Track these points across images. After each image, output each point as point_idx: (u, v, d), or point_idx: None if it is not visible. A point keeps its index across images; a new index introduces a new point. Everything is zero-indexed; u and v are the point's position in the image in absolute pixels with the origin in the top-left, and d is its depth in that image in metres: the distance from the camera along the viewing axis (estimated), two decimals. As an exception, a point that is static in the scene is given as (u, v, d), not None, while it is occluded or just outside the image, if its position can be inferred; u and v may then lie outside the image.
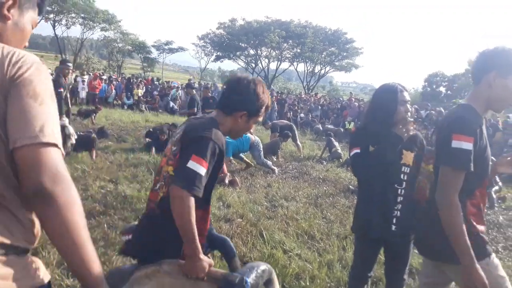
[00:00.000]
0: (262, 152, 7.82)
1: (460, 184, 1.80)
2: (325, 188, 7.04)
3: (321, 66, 44.34)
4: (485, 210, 1.96)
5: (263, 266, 1.92)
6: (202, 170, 1.69)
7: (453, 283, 2.17)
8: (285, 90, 41.28)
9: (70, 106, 7.37)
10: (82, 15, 37.39)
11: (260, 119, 2.06)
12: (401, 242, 2.59)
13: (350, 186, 7.02)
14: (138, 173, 6.53)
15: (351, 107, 18.98)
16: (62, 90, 6.75)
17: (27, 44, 1.18)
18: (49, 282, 1.08)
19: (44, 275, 1.06)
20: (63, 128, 6.74)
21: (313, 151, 11.24)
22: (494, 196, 6.83)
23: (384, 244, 2.67)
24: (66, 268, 3.15)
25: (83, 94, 17.78)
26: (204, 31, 53.09)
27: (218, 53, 44.16)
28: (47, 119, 0.96)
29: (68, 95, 7.17)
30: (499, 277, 1.87)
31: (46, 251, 3.41)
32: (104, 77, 21.64)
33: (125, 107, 17.85)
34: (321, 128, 15.36)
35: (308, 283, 3.38)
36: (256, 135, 12.60)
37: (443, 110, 16.08)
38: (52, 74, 15.01)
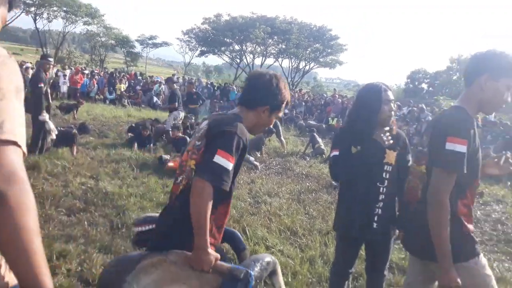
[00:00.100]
0: None
1: (452, 186, 1.83)
2: (308, 184, 7.08)
3: (306, 62, 44.40)
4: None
5: (268, 258, 1.93)
6: (228, 164, 1.71)
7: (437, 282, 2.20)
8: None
9: (50, 101, 7.21)
10: (64, 8, 36.56)
11: (281, 114, 2.06)
12: (382, 239, 2.62)
13: (333, 182, 7.07)
14: (119, 169, 6.46)
15: (334, 104, 19.10)
16: (42, 85, 6.60)
17: None
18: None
19: (10, 279, 1.02)
20: (43, 123, 6.61)
21: (297, 147, 11.29)
22: None
23: (365, 241, 2.71)
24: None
25: (64, 88, 17.43)
26: (189, 26, 52.40)
27: (203, 48, 43.78)
28: (8, 116, 0.89)
29: (49, 90, 7.01)
30: (486, 276, 1.91)
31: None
32: (86, 71, 21.28)
33: (107, 102, 17.59)
34: (304, 124, 15.43)
35: (290, 279, 3.40)
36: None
37: (424, 107, 16.32)
38: (32, 69, 14.75)
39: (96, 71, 24.43)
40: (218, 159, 1.70)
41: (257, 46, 42.71)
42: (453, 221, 1.84)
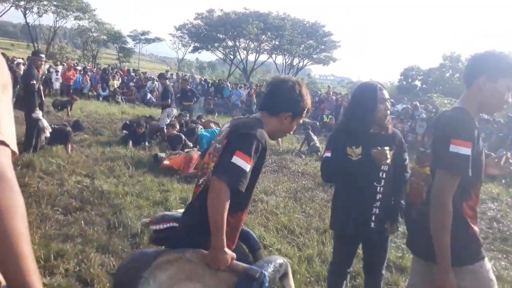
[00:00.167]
0: None
1: (455, 188, 1.83)
2: (304, 182, 7.10)
3: (299, 58, 44.45)
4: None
5: (280, 260, 1.96)
6: (246, 166, 1.73)
7: None
8: (264, 82, 41.26)
9: (43, 98, 7.13)
10: (55, 3, 36.18)
11: (301, 121, 2.08)
12: (379, 238, 2.64)
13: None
14: (115, 167, 6.42)
15: (328, 101, 19.14)
16: (34, 82, 6.51)
17: None
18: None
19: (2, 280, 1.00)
20: (36, 121, 6.54)
21: (292, 145, 11.30)
22: None
23: (363, 240, 2.72)
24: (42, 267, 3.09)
25: (57, 85, 17.25)
26: (182, 22, 52.09)
27: (196, 44, 43.60)
28: None
29: (41, 87, 6.93)
30: (490, 281, 1.92)
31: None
32: (79, 67, 21.07)
33: (101, 98, 17.45)
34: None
35: (289, 278, 3.40)
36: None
37: (418, 104, 16.40)
38: (24, 64, 14.56)
39: (88, 67, 24.22)
40: (236, 159, 1.72)
41: (250, 42, 42.65)
42: (458, 223, 1.85)
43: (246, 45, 43.33)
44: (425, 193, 1.98)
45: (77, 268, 3.21)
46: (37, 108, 6.60)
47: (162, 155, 7.09)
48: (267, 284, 1.75)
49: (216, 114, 16.60)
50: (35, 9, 36.33)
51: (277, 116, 1.97)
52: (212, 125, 9.68)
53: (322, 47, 42.76)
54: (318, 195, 6.23)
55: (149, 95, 18.31)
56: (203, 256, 1.77)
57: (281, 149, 10.25)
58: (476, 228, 1.92)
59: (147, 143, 8.42)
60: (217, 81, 24.19)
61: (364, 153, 2.50)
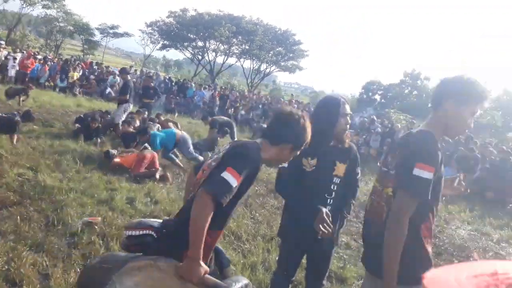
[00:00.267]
0: (191, 147, 7.66)
1: (413, 210, 1.87)
2: (256, 188, 7.10)
3: (267, 64, 44.77)
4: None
5: (246, 281, 1.99)
6: (234, 182, 1.78)
7: None
8: (229, 85, 41.23)
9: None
10: (22, -12, 34.57)
11: (298, 152, 2.13)
12: (324, 249, 2.69)
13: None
14: (62, 161, 6.17)
15: (291, 109, 19.35)
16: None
17: None
18: None
19: None
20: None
21: (250, 150, 11.31)
22: None
23: (308, 250, 2.76)
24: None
25: (12, 72, 16.43)
26: (153, 19, 51.08)
27: (165, 42, 42.95)
28: None
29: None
30: None
31: None
32: (39, 56, 20.21)
33: (57, 90, 16.81)
34: (262, 126, 15.41)
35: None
36: (195, 130, 12.49)
37: (375, 118, 16.92)
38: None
39: (49, 57, 23.27)
40: (226, 174, 1.78)
41: (220, 44, 42.51)
42: (415, 243, 1.90)
43: (216, 47, 43.16)
44: (385, 213, 2.02)
45: (6, 267, 3.05)
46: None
47: (114, 152, 6.89)
48: None
49: (176, 113, 16.39)
50: (0, -6, 34.55)
51: (277, 146, 2.03)
52: (170, 124, 9.54)
53: (291, 55, 43.31)
54: (269, 202, 6.26)
55: (108, 89, 17.79)
56: (176, 266, 1.77)
57: (238, 154, 10.24)
58: (429, 249, 1.98)
59: (99, 139, 8.17)
60: (181, 80, 23.89)
61: (318, 165, 2.54)
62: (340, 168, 2.59)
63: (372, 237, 2.15)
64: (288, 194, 2.72)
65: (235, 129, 10.92)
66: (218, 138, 9.89)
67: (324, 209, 2.40)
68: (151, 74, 23.22)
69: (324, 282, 2.89)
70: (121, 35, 45.06)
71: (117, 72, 19.47)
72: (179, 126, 10.17)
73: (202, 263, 1.76)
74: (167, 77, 26.87)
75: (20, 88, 11.75)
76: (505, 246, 6.51)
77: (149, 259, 1.82)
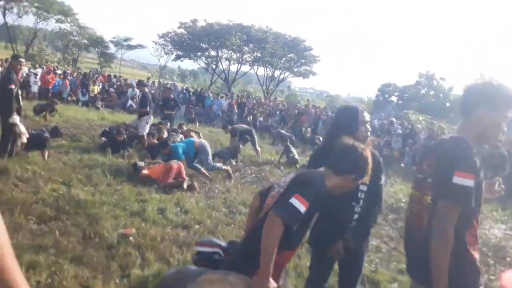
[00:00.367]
0: (210, 156, 7.72)
1: (456, 218, 1.88)
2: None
3: (280, 71, 44.88)
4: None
5: None
6: (302, 208, 1.92)
7: None
8: (245, 93, 41.43)
9: (21, 103, 7.00)
10: (36, 4, 35.53)
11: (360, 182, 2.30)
12: (355, 255, 2.71)
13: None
14: (92, 175, 6.32)
15: (308, 113, 19.36)
16: (13, 86, 6.40)
17: None
18: None
19: None
20: (13, 126, 6.41)
21: (271, 156, 11.37)
22: None
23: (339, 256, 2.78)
24: None
25: (35, 88, 16.89)
26: (165, 30, 51.87)
27: (179, 52, 43.49)
28: None
29: (20, 92, 6.81)
30: None
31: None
32: (59, 71, 20.74)
33: (80, 104, 17.20)
34: (281, 131, 15.46)
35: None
36: (217, 139, 12.61)
37: (394, 120, 16.79)
38: (1, 65, 14.21)
39: (68, 72, 23.85)
40: (294, 201, 1.92)
41: (233, 53, 42.84)
42: (461, 251, 1.91)
43: (229, 55, 43.52)
44: (426, 220, 2.04)
45: (49, 280, 3.15)
46: (15, 113, 6.47)
47: (142, 164, 7.02)
48: None
49: (197, 123, 16.58)
50: (15, 10, 35.63)
51: (341, 176, 2.15)
52: (192, 134, 9.66)
53: (303, 60, 43.36)
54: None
55: (130, 102, 18.13)
56: (246, 281, 1.91)
57: (260, 160, 10.30)
58: (476, 256, 1.98)
59: (126, 151, 8.34)
60: (198, 90, 24.16)
61: None
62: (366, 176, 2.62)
63: (415, 245, 2.16)
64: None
65: (255, 136, 10.99)
66: (240, 146, 9.97)
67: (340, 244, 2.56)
68: (168, 85, 23.56)
69: (358, 287, 2.91)
70: (135, 47, 45.78)
71: (135, 85, 19.84)
72: (201, 136, 10.29)
73: (271, 280, 1.89)
74: (185, 87, 27.17)
75: (46, 104, 12.09)
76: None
77: (222, 273, 1.95)
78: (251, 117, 18.61)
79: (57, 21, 37.96)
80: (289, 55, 42.91)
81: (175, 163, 6.77)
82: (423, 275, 2.09)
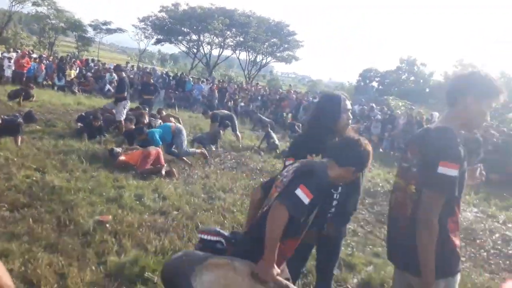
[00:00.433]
0: (185, 142, 7.64)
1: (441, 207, 1.91)
2: (261, 179, 7.15)
3: (263, 56, 44.64)
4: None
5: None
6: (306, 199, 1.99)
7: None
8: (226, 77, 41.13)
9: (-8, 87, 6.77)
10: (10, -13, 34.15)
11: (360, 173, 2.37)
12: (333, 241, 2.74)
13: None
14: (68, 161, 6.20)
15: (289, 99, 19.36)
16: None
17: None
18: None
19: None
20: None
21: (252, 141, 11.36)
22: None
23: (317, 243, 2.81)
24: None
25: (8, 72, 16.37)
26: (146, 13, 50.71)
27: (159, 36, 42.71)
28: None
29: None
30: None
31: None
32: (34, 55, 20.10)
33: (56, 88, 16.76)
34: (262, 117, 15.41)
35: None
36: (197, 124, 12.51)
37: (374, 106, 16.95)
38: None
39: (44, 56, 23.15)
40: (299, 192, 1.98)
41: (215, 37, 42.31)
42: (444, 238, 1.94)
43: (211, 40, 42.96)
44: (410, 209, 2.06)
45: (23, 268, 3.09)
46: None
47: (119, 150, 6.91)
48: None
49: (177, 108, 16.39)
50: (-13, -8, 34.17)
51: (343, 168, 2.19)
52: (171, 119, 9.54)
53: (286, 45, 43.17)
54: (275, 194, 6.29)
55: (108, 86, 17.76)
56: (251, 266, 2.00)
57: (240, 145, 10.28)
58: (457, 242, 2.03)
59: (103, 137, 8.19)
60: (179, 75, 23.80)
61: None
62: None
63: (399, 233, 2.19)
64: None
65: (236, 122, 10.95)
66: (221, 131, 9.92)
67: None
68: (148, 69, 23.16)
69: (335, 271, 2.95)
70: (114, 31, 44.68)
71: (112, 69, 19.44)
72: (180, 121, 10.18)
73: (275, 266, 1.97)
74: (165, 71, 26.75)
75: (20, 89, 11.74)
76: (511, 227, 6.59)
77: (228, 258, 2.04)
78: (232, 102, 18.48)
79: (34, 4, 36.54)
80: (272, 40, 42.64)
81: (153, 149, 6.69)
82: (407, 262, 2.13)
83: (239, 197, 5.87)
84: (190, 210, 4.96)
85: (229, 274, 1.97)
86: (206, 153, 7.96)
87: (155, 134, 7.27)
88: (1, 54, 17.00)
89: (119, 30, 44.84)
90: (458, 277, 2.08)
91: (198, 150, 7.92)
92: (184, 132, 7.73)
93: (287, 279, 2.14)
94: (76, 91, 16.45)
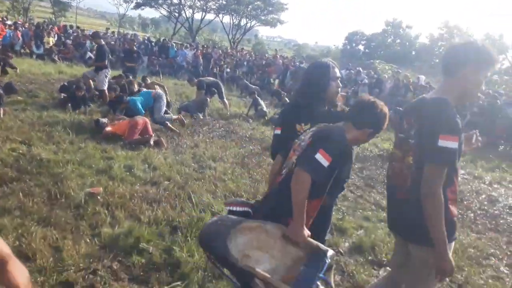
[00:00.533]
0: (163, 108, 7.49)
1: (444, 178, 1.93)
2: (251, 147, 7.17)
3: (247, 19, 43.69)
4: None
5: (333, 252, 2.16)
6: (325, 163, 2.03)
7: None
8: (210, 42, 40.28)
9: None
10: None
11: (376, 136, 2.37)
12: (326, 208, 2.75)
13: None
14: (53, 133, 6.07)
15: (275, 64, 19.14)
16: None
17: None
18: None
19: None
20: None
21: (240, 109, 11.28)
22: None
23: None
24: None
25: (-18, 41, 15.75)
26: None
27: (139, 0, 41.27)
28: None
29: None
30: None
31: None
32: (9, 22, 19.26)
33: (35, 57, 16.20)
34: (248, 83, 15.25)
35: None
36: (183, 91, 12.32)
37: (361, 70, 16.89)
38: None
39: (19, 22, 22.20)
40: (319, 156, 2.03)
41: (196, 0, 41.08)
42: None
43: (192, 3, 41.70)
44: (409, 180, 2.09)
45: (17, 242, 3.08)
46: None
47: (104, 120, 6.79)
48: (328, 262, 2.00)
49: (161, 75, 16.08)
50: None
51: (360, 130, 2.21)
52: (156, 87, 9.34)
53: (270, 8, 42.23)
54: (265, 161, 6.33)
55: (89, 54, 17.21)
56: (282, 229, 2.08)
57: (228, 113, 10.21)
58: (455, 212, 2.07)
59: (87, 107, 8.02)
60: (161, 40, 23.17)
61: None
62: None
63: (398, 204, 2.22)
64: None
65: (222, 89, 10.81)
66: (207, 99, 9.81)
67: None
68: (129, 35, 22.49)
69: (327, 237, 3.00)
70: (92, -6, 43.01)
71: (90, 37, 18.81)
72: (166, 89, 10.00)
73: (305, 228, 2.06)
74: (146, 37, 25.99)
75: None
76: (497, 188, 6.80)
77: (260, 222, 2.13)
78: (217, 68, 18.18)
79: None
80: (256, 3, 41.63)
81: (140, 119, 6.59)
82: (407, 232, 2.18)
83: (229, 165, 5.88)
84: (181, 179, 4.96)
85: (261, 237, 2.07)
86: (183, 118, 7.81)
87: (137, 102, 7.15)
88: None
89: (97, -7, 43.14)
90: (453, 244, 2.14)
91: (175, 116, 7.76)
92: (164, 99, 7.64)
93: None
94: (56, 60, 15.94)
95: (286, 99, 12.32)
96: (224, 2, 41.02)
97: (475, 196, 6.15)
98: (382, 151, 8.34)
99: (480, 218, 5.31)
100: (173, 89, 12.64)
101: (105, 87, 8.64)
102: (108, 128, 6.42)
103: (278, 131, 2.67)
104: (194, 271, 3.04)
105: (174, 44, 21.44)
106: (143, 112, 7.18)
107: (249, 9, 41.83)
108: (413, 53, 39.74)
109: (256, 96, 10.96)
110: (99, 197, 4.07)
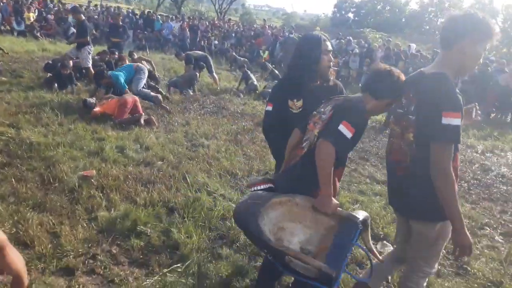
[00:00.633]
0: (142, 82, 7.34)
1: (452, 154, 1.92)
2: (243, 123, 7.12)
3: (233, -12, 42.62)
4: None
5: (367, 214, 2.21)
6: (349, 134, 2.06)
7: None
8: (196, 13, 39.34)
9: None
10: None
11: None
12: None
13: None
14: (41, 114, 5.94)
15: (264, 35, 18.83)
16: None
17: None
18: None
19: None
20: None
21: (230, 83, 11.15)
22: None
23: None
24: None
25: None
26: None
27: (121, -30, 39.96)
28: None
29: None
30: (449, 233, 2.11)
31: None
32: (-16, -4, 18.49)
33: (16, 33, 15.68)
34: (236, 56, 14.97)
35: (233, 224, 3.47)
36: (171, 66, 12.10)
37: (352, 39, 16.70)
38: None
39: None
40: (342, 128, 2.05)
41: (181, -31, 39.78)
42: None
43: (176, -29, 40.40)
44: (409, 156, 2.08)
45: (14, 230, 3.05)
46: None
47: (92, 100, 6.66)
48: (359, 232, 2.05)
49: (148, 50, 15.73)
50: None
51: (378, 100, 2.22)
52: (144, 62, 9.12)
53: (257, -24, 41.18)
54: (258, 137, 6.30)
55: (72, 30, 16.63)
56: (311, 201, 2.13)
57: (218, 88, 10.09)
58: (455, 187, 2.04)
59: (74, 86, 7.85)
60: (146, 13, 22.54)
61: (305, 106, 2.53)
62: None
63: (398, 180, 2.22)
64: (272, 139, 2.77)
65: (211, 62, 10.62)
66: (196, 74, 9.65)
67: None
68: (112, 8, 21.84)
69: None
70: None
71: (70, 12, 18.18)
72: (153, 64, 9.81)
73: (333, 198, 2.11)
74: (130, 9, 25.26)
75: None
76: (489, 156, 6.88)
77: (289, 196, 2.18)
78: (205, 41, 17.85)
79: None
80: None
81: (129, 97, 6.47)
82: (408, 208, 2.19)
83: (222, 143, 5.85)
84: (175, 159, 4.93)
85: (293, 209, 2.14)
86: (160, 98, 7.43)
87: (119, 77, 6.99)
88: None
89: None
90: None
91: (153, 94, 7.44)
92: (146, 72, 7.52)
93: None
94: (39, 36, 15.47)
95: (276, 71, 12.17)
96: (209, -29, 39.87)
97: (468, 166, 6.23)
98: (375, 122, 8.34)
99: (474, 188, 5.40)
100: (160, 64, 12.41)
101: (90, 65, 8.42)
102: (97, 108, 6.30)
103: (269, 108, 2.65)
104: (193, 252, 3.06)
105: (160, 17, 20.91)
106: (126, 87, 7.03)
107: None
108: (403, 20, 39.35)
109: (246, 69, 10.81)
110: (92, 180, 4.04)
